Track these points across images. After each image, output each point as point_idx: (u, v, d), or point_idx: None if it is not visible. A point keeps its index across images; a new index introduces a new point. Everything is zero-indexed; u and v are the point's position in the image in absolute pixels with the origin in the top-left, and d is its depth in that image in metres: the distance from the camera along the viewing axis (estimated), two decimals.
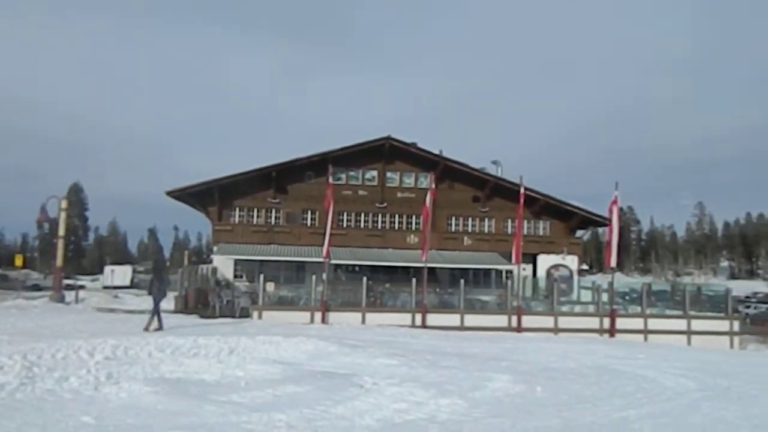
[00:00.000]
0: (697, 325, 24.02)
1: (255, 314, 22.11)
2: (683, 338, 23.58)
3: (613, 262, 24.33)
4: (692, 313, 24.58)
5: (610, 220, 24.76)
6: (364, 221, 33.05)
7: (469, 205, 33.49)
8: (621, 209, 26.14)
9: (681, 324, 24.00)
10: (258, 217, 32.47)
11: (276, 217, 32.55)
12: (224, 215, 32.12)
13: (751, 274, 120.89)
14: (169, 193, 30.88)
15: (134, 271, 51.02)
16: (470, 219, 33.60)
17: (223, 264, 30.67)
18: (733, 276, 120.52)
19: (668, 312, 25.80)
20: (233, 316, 23.05)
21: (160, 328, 15.69)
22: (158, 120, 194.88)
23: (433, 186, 28.51)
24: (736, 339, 24.61)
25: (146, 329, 15.33)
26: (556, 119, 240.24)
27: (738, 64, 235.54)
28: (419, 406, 7.56)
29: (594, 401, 8.75)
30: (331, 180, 26.71)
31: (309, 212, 32.48)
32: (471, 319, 22.82)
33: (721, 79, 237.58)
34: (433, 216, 26.69)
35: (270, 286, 23.54)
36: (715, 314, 25.20)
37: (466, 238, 33.05)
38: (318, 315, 21.98)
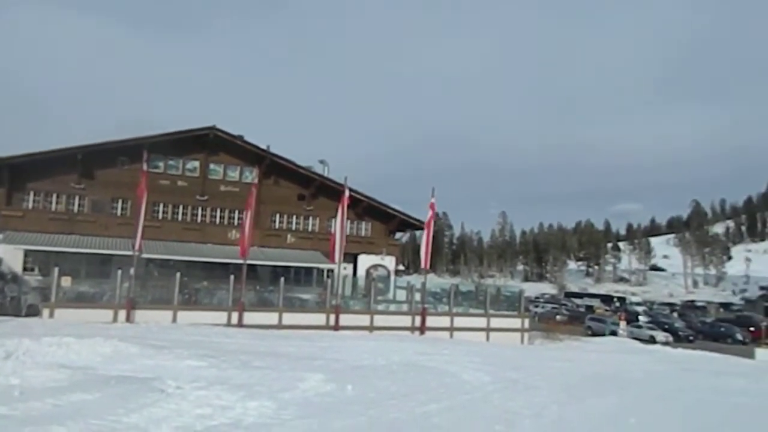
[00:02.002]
0: (495, 322, 26.46)
1: (46, 312, 19.64)
2: (483, 335, 25.81)
3: (425, 263, 25.82)
4: (492, 311, 27.04)
5: (427, 223, 26.24)
6: (183, 214, 31.11)
7: (293, 202, 33.23)
8: (436, 214, 27.84)
9: (482, 322, 26.26)
10: (58, 203, 28.86)
11: (80, 205, 29.22)
12: (15, 199, 28.03)
13: (541, 278, 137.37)
14: None
15: None
16: (294, 216, 33.35)
17: (11, 254, 26.71)
18: (526, 279, 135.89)
19: (472, 311, 28.07)
20: (18, 315, 20.21)
21: None
22: None
23: (257, 181, 27.80)
24: (526, 335, 27.59)
25: None
26: (382, 129, 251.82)
27: (533, 84, 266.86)
28: (224, 411, 7.19)
29: (400, 397, 9.09)
30: (146, 168, 24.61)
31: (120, 201, 29.69)
32: (290, 318, 22.63)
33: (520, 99, 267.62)
34: (256, 212, 26.00)
35: (66, 281, 21.01)
36: (509, 313, 28.00)
37: (289, 236, 32.75)
38: (122, 313, 20.17)
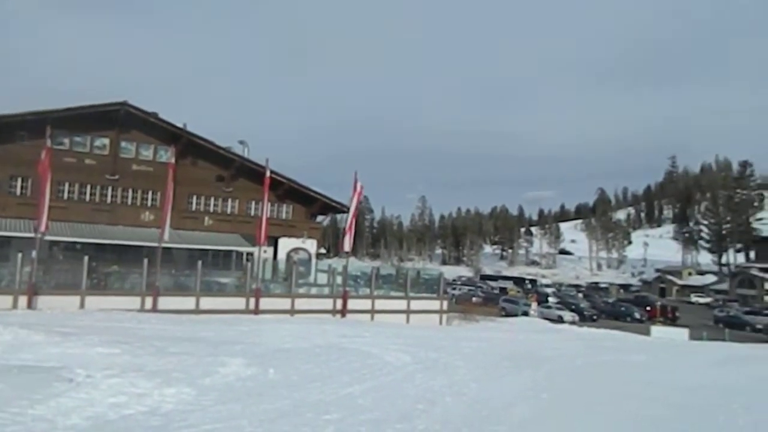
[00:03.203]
0: (415, 304, 26.95)
1: None
2: (403, 317, 26.24)
3: (348, 247, 25.84)
4: (412, 294, 27.50)
5: (349, 207, 26.20)
6: (91, 194, 29.29)
7: (212, 184, 32.13)
8: (359, 199, 27.85)
9: (402, 304, 26.66)
10: None
11: None
12: None
13: (458, 261, 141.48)
14: None
15: None
16: (213, 198, 32.26)
17: None
18: (444, 262, 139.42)
19: (392, 293, 28.44)
20: None
21: None
22: None
23: (174, 160, 26.53)
24: (444, 316, 28.33)
25: None
26: (305, 111, 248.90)
27: (451, 74, 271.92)
28: (140, 398, 6.90)
29: (323, 379, 9.08)
30: (50, 144, 22.90)
31: (19, 179, 27.53)
32: (207, 302, 22.01)
33: (443, 86, 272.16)
34: (172, 193, 24.94)
35: None
36: (429, 295, 28.60)
37: (207, 218, 31.69)
38: (23, 299, 18.83)
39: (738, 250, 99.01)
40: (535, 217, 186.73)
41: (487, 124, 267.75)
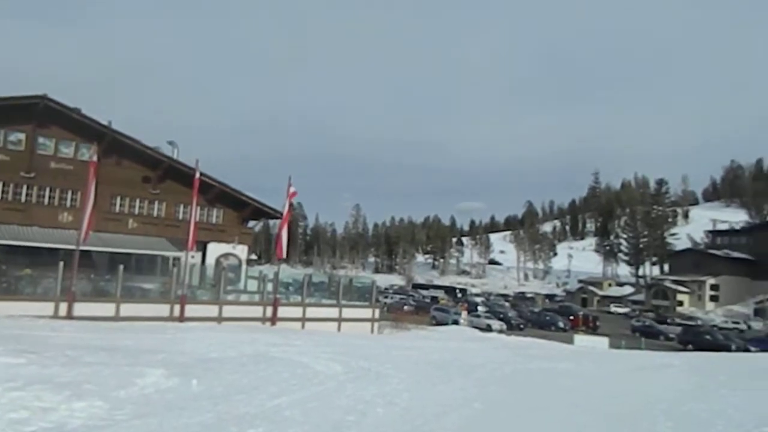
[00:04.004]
0: (347, 312, 26.66)
1: None
2: (335, 325, 25.90)
3: (283, 251, 25.32)
4: (344, 302, 27.21)
5: (281, 213, 25.67)
6: (3, 192, 27.34)
7: (138, 185, 30.70)
8: (291, 204, 27.33)
9: (334, 312, 26.33)
10: None
11: None
12: None
13: (391, 269, 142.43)
14: None
15: None
16: (138, 200, 30.81)
17: None
18: (377, 270, 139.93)
19: (324, 301, 28.05)
20: None
21: None
22: None
23: (96, 159, 25.13)
24: (376, 325, 28.21)
25: None
26: (235, 110, 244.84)
27: (386, 84, 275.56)
28: (45, 413, 6.32)
29: (250, 391, 8.70)
30: None
31: None
32: (129, 309, 20.88)
33: (380, 95, 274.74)
34: (94, 193, 23.63)
35: None
36: (361, 303, 28.41)
37: (131, 221, 30.24)
38: None
39: (654, 263, 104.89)
40: (466, 228, 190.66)
41: (422, 135, 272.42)
